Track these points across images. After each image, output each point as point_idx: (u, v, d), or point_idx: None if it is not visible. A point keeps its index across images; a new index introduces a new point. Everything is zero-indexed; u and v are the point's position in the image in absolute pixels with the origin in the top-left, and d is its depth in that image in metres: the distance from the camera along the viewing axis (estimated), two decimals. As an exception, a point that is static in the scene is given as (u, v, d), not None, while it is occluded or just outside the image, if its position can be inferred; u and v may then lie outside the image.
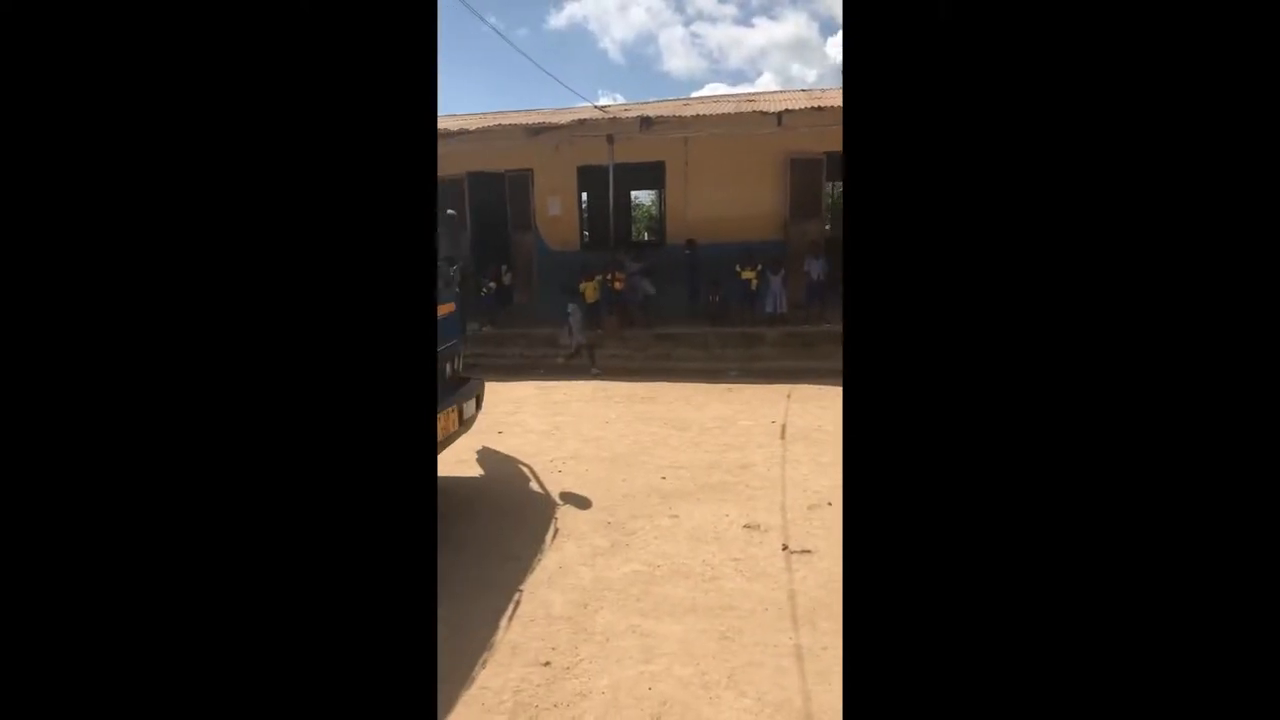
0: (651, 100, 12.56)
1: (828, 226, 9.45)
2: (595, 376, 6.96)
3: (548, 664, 2.27)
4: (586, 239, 10.27)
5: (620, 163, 8.35)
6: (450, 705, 2.07)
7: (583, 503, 3.63)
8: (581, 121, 8.31)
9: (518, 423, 5.23)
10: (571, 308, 7.51)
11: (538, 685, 2.16)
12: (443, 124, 9.36)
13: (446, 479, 4.06)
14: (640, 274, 8.31)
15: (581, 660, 2.29)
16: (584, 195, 9.46)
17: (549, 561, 2.98)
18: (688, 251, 8.47)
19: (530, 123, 8.58)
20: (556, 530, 3.30)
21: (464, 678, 2.19)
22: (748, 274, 7.89)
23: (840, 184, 9.40)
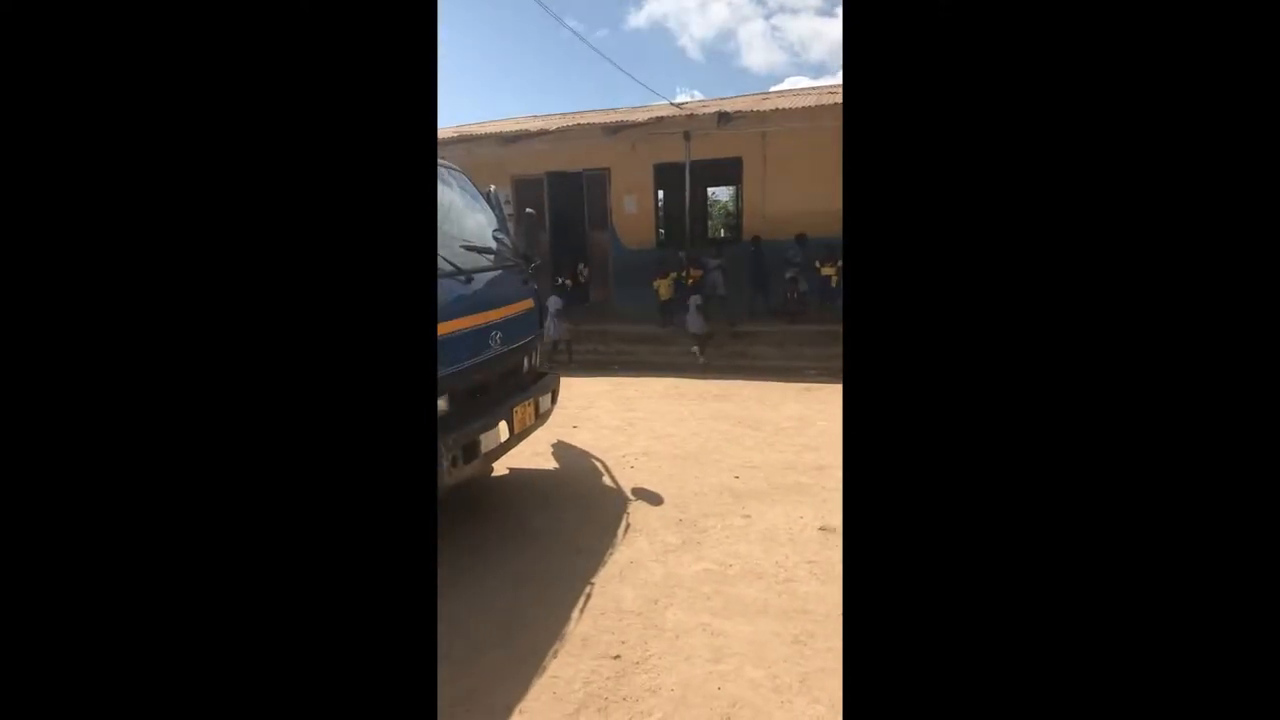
0: (730, 96, 12.42)
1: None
2: (703, 367, 7.00)
3: (617, 657, 2.28)
4: (662, 236, 10.28)
5: (697, 159, 8.30)
6: (523, 692, 2.11)
7: (654, 499, 3.63)
8: (659, 119, 8.32)
9: (592, 418, 5.29)
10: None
11: (607, 678, 2.17)
12: (523, 124, 9.58)
13: (522, 471, 4.15)
14: (717, 270, 8.26)
15: (651, 656, 2.28)
16: (660, 193, 9.47)
17: (620, 556, 3.00)
18: (752, 249, 8.35)
19: (608, 122, 8.65)
20: (628, 525, 3.31)
21: (536, 666, 2.23)
22: (828, 270, 7.70)
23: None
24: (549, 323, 7.25)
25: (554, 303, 7.45)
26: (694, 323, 7.23)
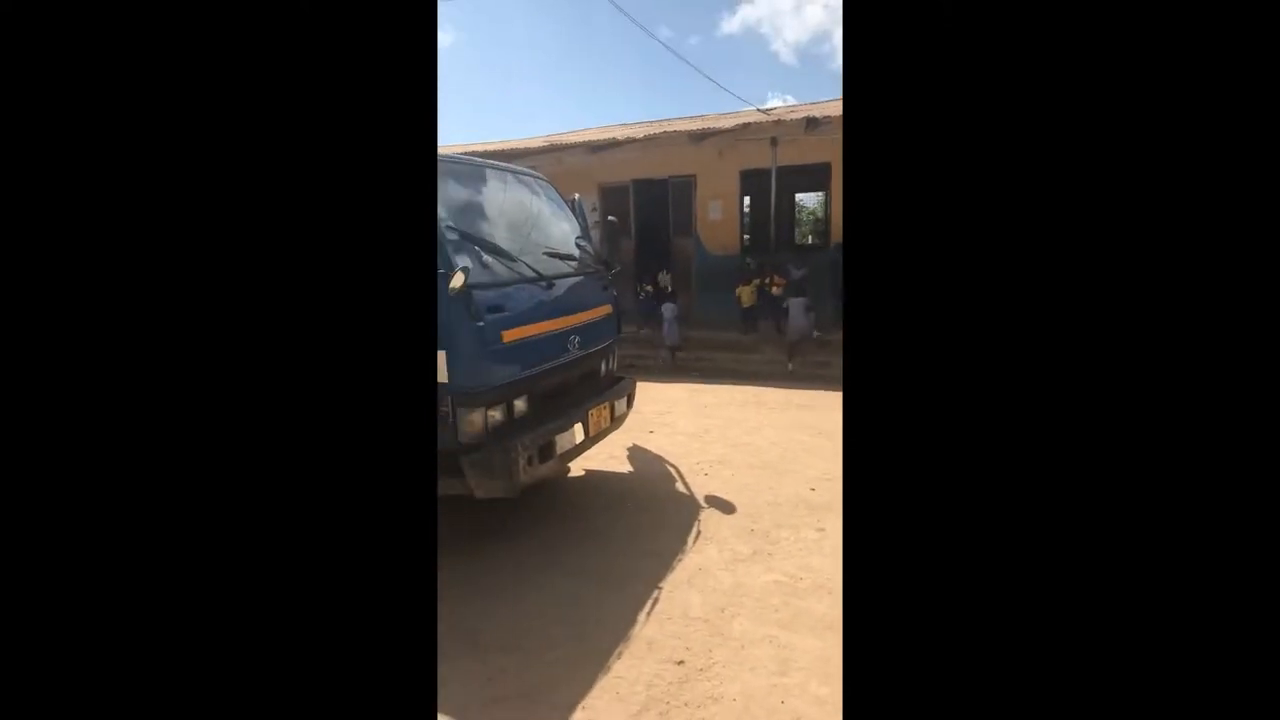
0: (820, 100, 12.18)
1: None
2: (790, 375, 6.94)
3: (681, 663, 2.28)
4: (747, 243, 10.20)
5: (784, 165, 8.20)
6: (586, 690, 2.16)
7: (727, 507, 3.61)
8: (745, 125, 8.28)
9: (668, 423, 5.31)
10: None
11: (670, 683, 2.18)
12: (610, 133, 9.75)
13: (597, 473, 4.22)
14: (803, 279, 8.11)
15: (715, 664, 2.28)
16: (746, 199, 9.40)
17: (689, 562, 3.00)
18: (838, 255, 8.13)
19: (694, 129, 8.68)
20: (699, 532, 3.31)
21: (601, 665, 2.27)
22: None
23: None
24: (665, 327, 7.56)
25: (669, 309, 7.68)
26: (796, 325, 7.05)
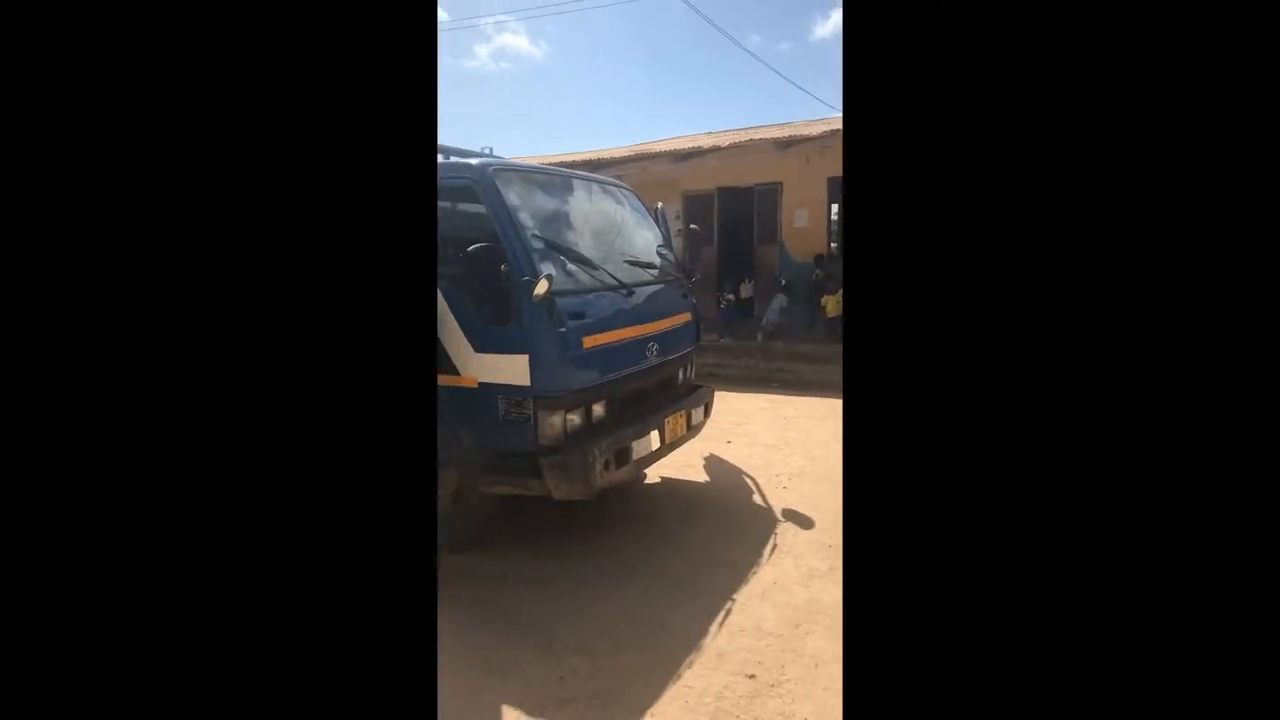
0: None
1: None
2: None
3: (753, 677, 2.25)
4: (834, 251, 9.97)
5: (873, 172, 7.96)
6: (656, 697, 2.16)
7: (805, 522, 3.54)
8: (834, 132, 8.11)
9: (746, 434, 5.25)
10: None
11: (740, 696, 2.16)
12: (696, 141, 9.77)
13: (672, 481, 4.23)
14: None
15: (787, 680, 2.23)
16: (833, 207, 9.19)
17: (764, 575, 2.95)
18: None
19: (780, 136, 8.59)
20: (775, 546, 3.25)
21: (671, 673, 2.27)
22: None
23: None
24: (770, 314, 8.12)
25: (779, 300, 8.15)
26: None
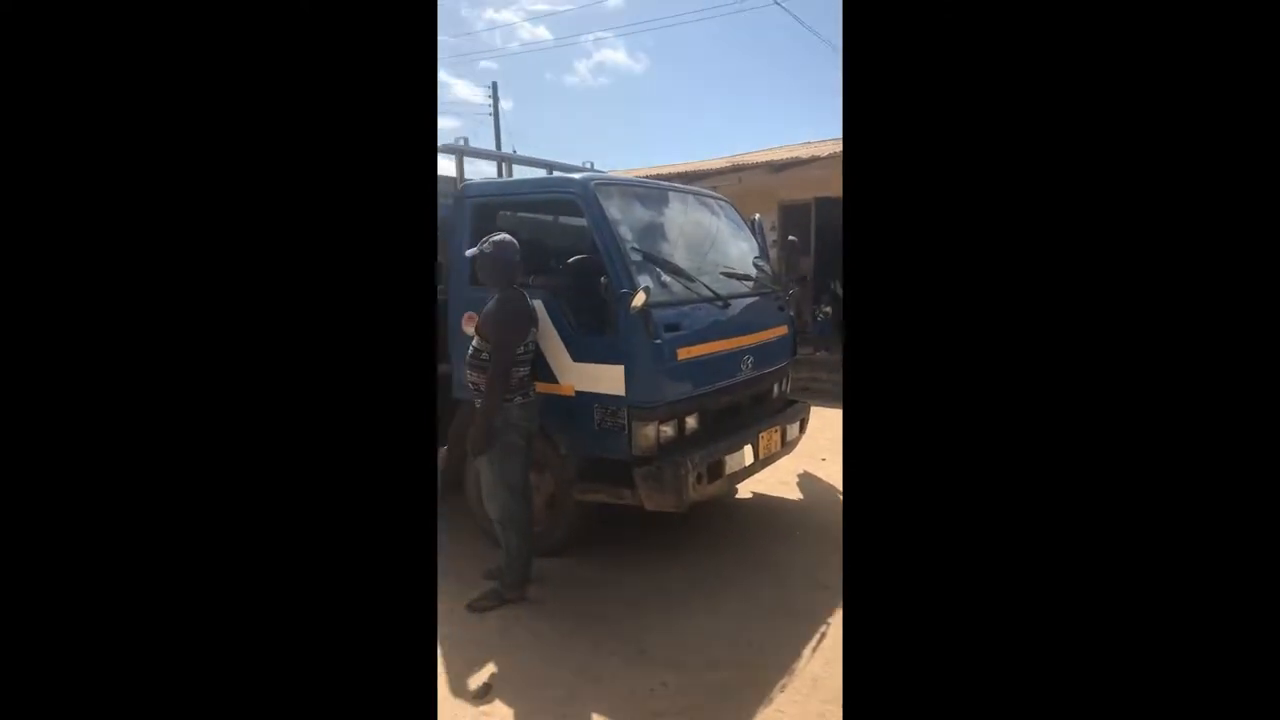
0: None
1: None
2: None
3: (848, 707, 2.16)
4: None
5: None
6: (747, 718, 2.11)
7: (906, 546, 3.37)
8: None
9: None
10: None
11: (835, 726, 2.07)
12: (794, 151, 9.63)
13: (765, 497, 4.14)
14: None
15: (886, 714, 2.12)
16: (938, 217, 8.78)
17: (861, 600, 2.83)
18: None
19: (883, 144, 8.29)
20: (873, 570, 3.11)
21: (762, 696, 2.21)
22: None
23: None
24: None
25: None
26: None
